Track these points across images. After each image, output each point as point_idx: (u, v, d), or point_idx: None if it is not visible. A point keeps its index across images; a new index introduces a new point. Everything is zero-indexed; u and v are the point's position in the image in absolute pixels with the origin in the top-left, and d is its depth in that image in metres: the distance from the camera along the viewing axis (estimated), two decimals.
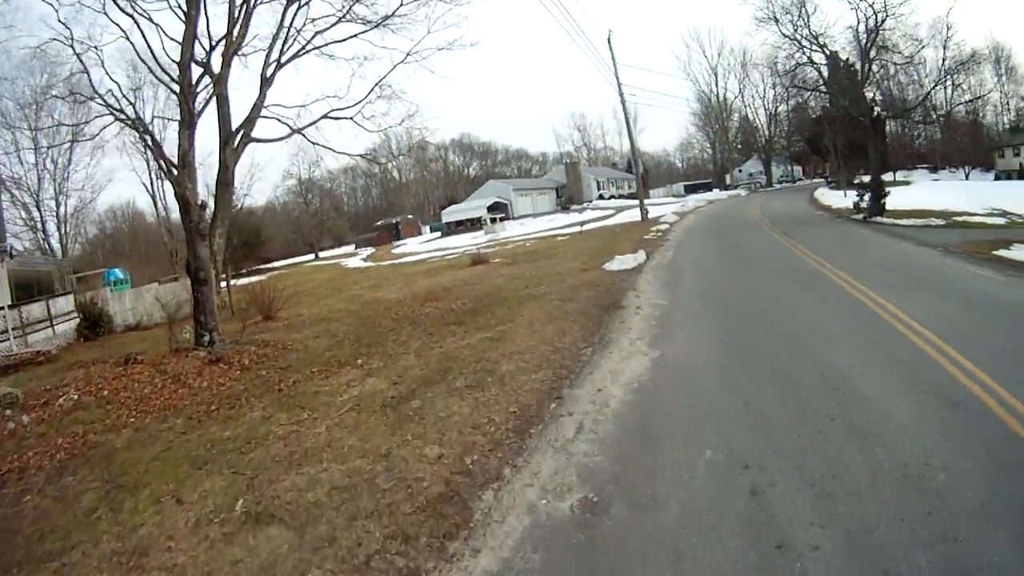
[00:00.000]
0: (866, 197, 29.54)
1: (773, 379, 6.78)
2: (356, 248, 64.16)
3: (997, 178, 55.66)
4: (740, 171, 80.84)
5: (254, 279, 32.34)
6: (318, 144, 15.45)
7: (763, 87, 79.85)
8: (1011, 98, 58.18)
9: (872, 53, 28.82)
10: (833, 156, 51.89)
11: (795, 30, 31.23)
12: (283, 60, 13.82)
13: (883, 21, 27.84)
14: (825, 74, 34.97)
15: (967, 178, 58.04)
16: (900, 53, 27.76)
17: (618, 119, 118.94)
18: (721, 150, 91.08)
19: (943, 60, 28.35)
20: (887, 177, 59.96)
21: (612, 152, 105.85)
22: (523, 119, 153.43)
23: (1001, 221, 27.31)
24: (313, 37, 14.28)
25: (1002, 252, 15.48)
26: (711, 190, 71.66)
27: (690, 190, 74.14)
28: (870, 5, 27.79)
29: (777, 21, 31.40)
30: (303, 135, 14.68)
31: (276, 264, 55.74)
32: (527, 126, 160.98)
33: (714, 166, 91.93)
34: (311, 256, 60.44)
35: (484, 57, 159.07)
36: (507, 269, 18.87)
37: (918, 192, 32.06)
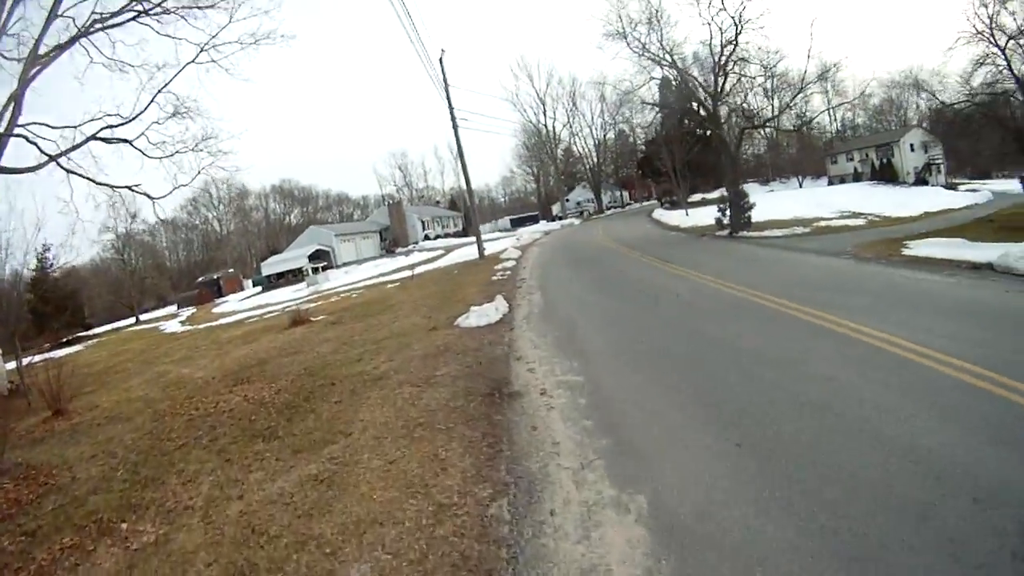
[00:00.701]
0: (727, 212, 30.68)
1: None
2: (178, 308, 63.38)
3: (830, 183, 64.48)
4: (567, 200, 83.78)
5: (71, 350, 31.94)
6: (73, 173, 14.70)
7: (591, 115, 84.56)
8: (837, 108, 66.32)
9: (728, 67, 30.34)
10: (672, 176, 55.23)
11: (644, 46, 32.06)
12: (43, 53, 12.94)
13: (738, 34, 29.39)
14: (674, 90, 36.67)
15: (801, 186, 64.89)
16: (759, 64, 30.12)
17: (440, 158, 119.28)
18: (545, 181, 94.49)
19: (804, 72, 30.19)
20: (718, 193, 65.14)
21: (434, 191, 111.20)
22: (344, 161, 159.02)
23: (860, 222, 30.18)
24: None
25: (909, 252, 16.70)
26: (538, 222, 73.84)
27: (516, 223, 76.38)
28: (731, 16, 29.34)
29: (625, 36, 32.10)
30: (59, 163, 13.99)
31: (98, 331, 53.11)
32: (348, 169, 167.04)
33: (539, 198, 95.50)
34: (133, 320, 58.76)
35: (303, 96, 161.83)
36: (333, 331, 16.27)
37: (764, 203, 35.05)
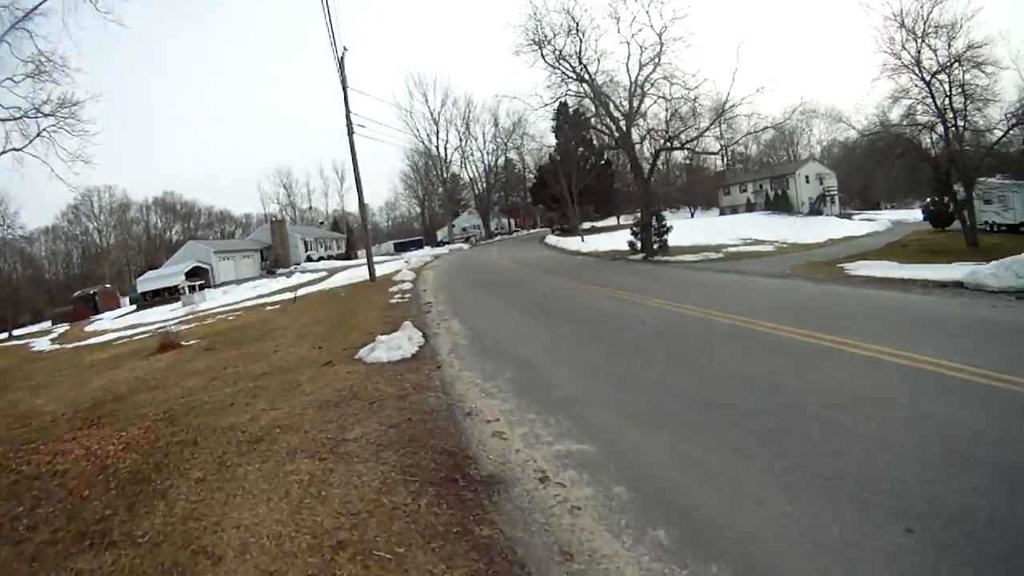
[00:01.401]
0: (641, 235, 30.21)
1: None
2: (52, 324, 59.40)
3: (722, 213, 66.58)
4: (453, 226, 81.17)
5: None
6: None
7: (483, 139, 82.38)
8: (728, 143, 68.33)
9: (646, 87, 29.98)
10: (569, 201, 54.67)
11: (559, 58, 30.97)
12: None
13: (661, 52, 29.09)
14: (590, 107, 36.18)
15: (692, 216, 66.20)
16: (681, 84, 29.60)
17: (325, 178, 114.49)
18: (430, 206, 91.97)
19: (728, 94, 30.97)
20: (611, 222, 65.46)
21: (318, 213, 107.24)
22: (229, 177, 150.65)
23: (769, 248, 30.57)
24: None
25: (855, 273, 17.30)
26: (422, 247, 70.90)
27: (400, 248, 72.93)
28: (656, 33, 29.12)
29: (542, 47, 30.83)
30: None
31: None
32: (232, 185, 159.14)
33: (423, 223, 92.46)
34: (4, 336, 54.45)
35: (189, 106, 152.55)
36: (204, 360, 13.42)
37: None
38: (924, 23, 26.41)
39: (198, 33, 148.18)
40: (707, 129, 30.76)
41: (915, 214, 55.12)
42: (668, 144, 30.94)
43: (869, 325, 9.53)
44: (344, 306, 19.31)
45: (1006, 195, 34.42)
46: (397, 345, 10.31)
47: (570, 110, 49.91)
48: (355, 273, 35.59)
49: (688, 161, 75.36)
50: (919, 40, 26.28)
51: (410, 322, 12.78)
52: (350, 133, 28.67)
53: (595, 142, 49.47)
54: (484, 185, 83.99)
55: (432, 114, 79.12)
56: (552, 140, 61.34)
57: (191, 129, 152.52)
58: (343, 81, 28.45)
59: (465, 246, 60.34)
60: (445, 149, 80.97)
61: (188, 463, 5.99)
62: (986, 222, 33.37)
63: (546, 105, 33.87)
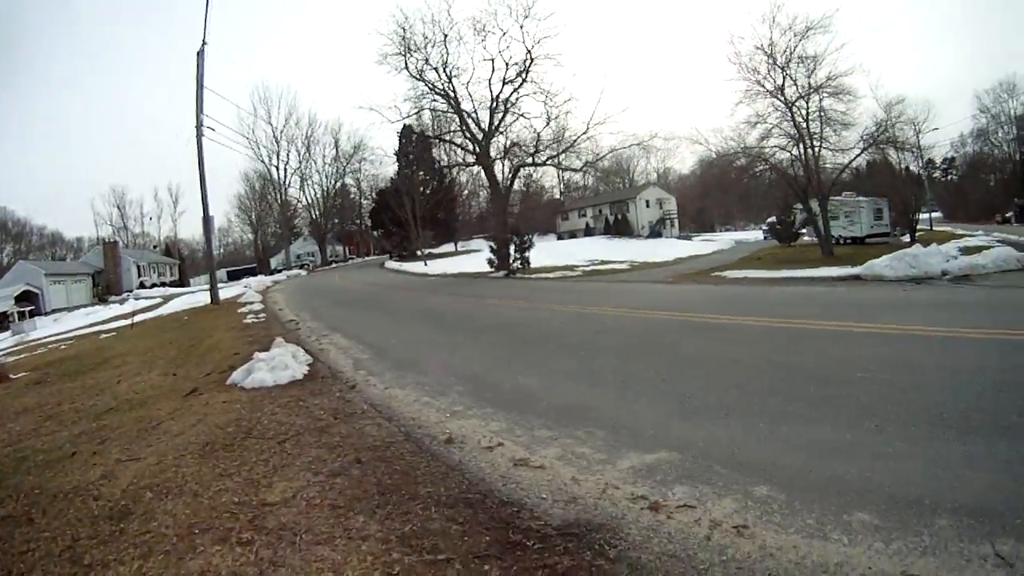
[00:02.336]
0: (498, 254, 29.85)
1: None
2: None
3: (559, 238, 66.75)
4: (288, 253, 74.88)
5: None
6: None
7: (323, 162, 76.80)
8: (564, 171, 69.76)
9: (508, 104, 29.52)
10: (413, 225, 52.65)
11: (420, 72, 29.89)
12: None
13: (528, 68, 28.83)
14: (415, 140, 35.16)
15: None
16: (543, 102, 29.88)
17: (159, 200, 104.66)
18: (264, 232, 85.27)
19: (593, 113, 30.13)
20: (449, 248, 64.09)
21: (149, 239, 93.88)
22: (64, 197, 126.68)
23: (624, 265, 31.04)
24: None
25: (733, 276, 18.64)
26: (256, 275, 64.41)
27: (234, 276, 66.31)
28: (526, 48, 29.29)
29: (407, 55, 29.64)
30: None
31: None
32: (66, 206, 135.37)
33: (256, 250, 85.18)
34: None
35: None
36: (35, 395, 10.17)
37: None
38: (790, 54, 27.24)
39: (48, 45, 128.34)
40: (571, 146, 30.40)
41: (755, 234, 59.20)
42: (531, 160, 30.22)
43: (808, 309, 10.10)
44: (191, 329, 15.71)
45: (853, 211, 36.95)
46: (282, 364, 7.80)
47: (414, 134, 48.33)
48: (193, 299, 30.93)
49: (525, 188, 76.06)
50: (783, 70, 27.28)
51: (282, 339, 10.28)
52: (199, 136, 24.31)
53: (443, 163, 48.20)
54: (321, 210, 78.27)
55: (275, 132, 71.85)
56: (392, 165, 59.32)
57: (27, 142, 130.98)
58: (199, 78, 24.24)
59: (303, 272, 55.60)
60: (285, 171, 74.03)
61: (17, 564, 3.42)
62: (834, 235, 34.97)
63: (405, 118, 32.40)
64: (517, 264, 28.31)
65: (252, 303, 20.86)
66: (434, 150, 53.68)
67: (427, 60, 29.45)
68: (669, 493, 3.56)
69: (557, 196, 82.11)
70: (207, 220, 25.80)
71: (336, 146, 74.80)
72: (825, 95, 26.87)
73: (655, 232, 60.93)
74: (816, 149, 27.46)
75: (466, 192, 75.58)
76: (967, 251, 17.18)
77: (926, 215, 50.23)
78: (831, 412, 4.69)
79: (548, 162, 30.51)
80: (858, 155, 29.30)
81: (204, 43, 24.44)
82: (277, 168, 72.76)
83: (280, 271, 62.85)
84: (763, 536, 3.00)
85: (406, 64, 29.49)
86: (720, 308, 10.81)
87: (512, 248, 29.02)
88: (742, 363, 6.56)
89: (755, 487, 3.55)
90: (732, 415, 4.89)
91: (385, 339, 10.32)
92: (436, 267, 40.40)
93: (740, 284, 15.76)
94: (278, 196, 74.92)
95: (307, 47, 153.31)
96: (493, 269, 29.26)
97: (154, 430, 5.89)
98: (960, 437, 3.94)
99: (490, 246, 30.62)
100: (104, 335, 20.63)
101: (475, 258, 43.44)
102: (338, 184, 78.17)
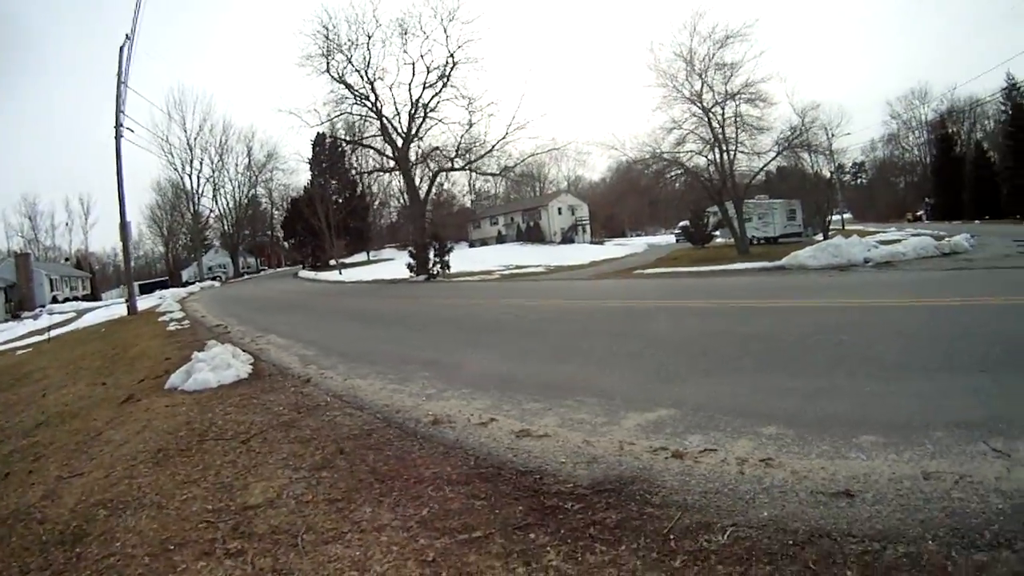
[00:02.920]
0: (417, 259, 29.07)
1: None
2: None
3: (471, 246, 64.79)
4: (199, 264, 69.94)
5: None
6: None
7: (235, 171, 72.07)
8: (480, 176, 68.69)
9: (429, 107, 28.94)
10: (327, 235, 50.33)
11: (343, 75, 28.87)
12: None
13: (451, 71, 28.21)
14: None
15: None
16: (465, 107, 29.30)
17: (70, 211, 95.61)
18: (175, 244, 79.96)
19: (513, 118, 29.80)
20: (362, 257, 62.02)
21: (59, 252, 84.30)
22: None
23: (540, 269, 30.48)
24: None
25: (652, 272, 19.43)
26: (168, 287, 60.17)
27: (146, 289, 61.29)
28: (448, 51, 28.87)
29: (329, 57, 28.49)
30: None
31: None
32: None
33: (167, 262, 79.65)
34: None
35: None
36: None
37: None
38: (709, 62, 26.80)
39: None
40: (491, 150, 29.92)
41: (666, 238, 59.17)
42: (450, 165, 29.58)
43: (747, 292, 10.70)
44: (112, 340, 14.15)
45: (767, 212, 37.14)
46: (224, 363, 7.08)
47: (328, 140, 46.64)
48: (108, 312, 28.42)
49: (437, 196, 74.89)
50: (701, 77, 26.97)
51: (215, 340, 9.45)
52: (118, 137, 22.01)
53: (359, 169, 46.73)
54: (233, 220, 73.17)
55: (188, 139, 66.08)
56: (305, 173, 56.86)
57: None
58: (120, 74, 21.85)
59: (216, 284, 52.30)
60: (198, 179, 68.34)
61: None
62: (748, 236, 35.12)
63: (325, 121, 31.01)
64: (437, 269, 27.79)
65: (172, 312, 19.26)
66: (349, 157, 51.84)
67: (350, 61, 28.44)
68: (686, 442, 3.57)
69: (468, 205, 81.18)
70: (124, 226, 23.71)
71: (249, 154, 70.14)
72: (742, 101, 26.75)
73: (567, 238, 60.61)
74: (732, 153, 27.53)
75: (377, 202, 73.50)
76: (886, 243, 18.08)
77: (837, 216, 51.42)
78: (803, 366, 5.02)
79: (467, 167, 29.93)
80: (773, 158, 29.65)
81: (128, 37, 22.20)
82: (190, 176, 67.10)
83: (192, 283, 59.11)
84: (790, 464, 3.13)
85: (328, 66, 28.37)
86: (661, 295, 11.12)
87: (432, 253, 28.47)
88: (703, 335, 6.79)
89: (762, 428, 3.68)
90: (712, 375, 5.02)
91: (325, 337, 9.67)
92: (351, 276, 38.72)
93: (671, 277, 16.12)
94: (191, 206, 69.42)
95: (224, 51, 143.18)
96: (413, 274, 28.53)
97: (93, 441, 5.15)
98: (926, 376, 4.48)
99: (409, 251, 29.87)
100: (20, 351, 18.73)
101: (389, 266, 42.19)
102: (251, 193, 74.00)
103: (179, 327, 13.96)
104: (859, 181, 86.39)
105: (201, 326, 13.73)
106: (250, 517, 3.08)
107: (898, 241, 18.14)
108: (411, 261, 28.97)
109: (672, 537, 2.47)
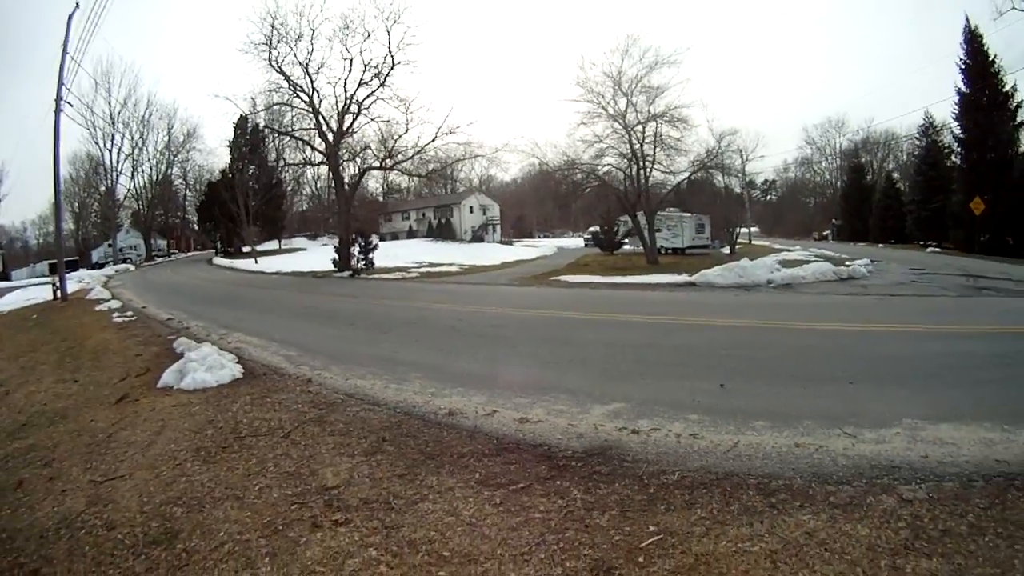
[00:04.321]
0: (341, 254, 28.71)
1: None
2: None
3: (383, 239, 62.16)
4: (110, 246, 64.00)
5: None
6: None
7: (155, 149, 65.46)
8: (388, 174, 66.87)
9: (364, 104, 28.06)
10: (245, 222, 47.61)
11: (281, 65, 27.37)
12: None
13: (392, 69, 27.32)
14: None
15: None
16: (398, 107, 28.16)
17: None
18: (86, 223, 72.68)
19: (440, 127, 29.15)
20: (273, 245, 59.19)
21: None
22: None
23: (455, 268, 30.12)
24: None
25: (574, 281, 19.45)
26: (78, 269, 54.66)
27: (54, 269, 54.83)
28: (387, 50, 27.68)
29: (271, 48, 26.95)
30: None
31: None
32: None
33: (77, 242, 72.08)
34: None
35: None
36: None
37: (326, 255, 33.06)
38: (636, 83, 26.65)
39: None
40: (420, 151, 29.46)
41: (575, 242, 59.07)
42: (379, 164, 29.18)
43: (665, 308, 11.46)
44: (54, 330, 13.09)
45: (676, 224, 36.98)
46: (218, 363, 7.26)
47: (249, 124, 44.24)
48: (27, 295, 25.70)
49: (362, 182, 72.25)
50: (628, 97, 26.93)
51: (185, 338, 9.45)
52: (58, 111, 19.41)
53: (286, 160, 44.39)
54: (148, 200, 66.47)
55: (112, 113, 58.18)
56: (224, 155, 53.29)
57: None
58: (65, 44, 19.80)
59: (131, 267, 48.42)
60: (118, 156, 60.63)
61: None
62: (657, 246, 34.97)
63: (259, 111, 29.82)
64: (361, 265, 27.62)
65: (105, 299, 18.16)
66: (273, 144, 48.96)
67: (293, 52, 27.29)
68: (638, 424, 4.75)
69: (380, 198, 79.01)
70: (59, 204, 22.16)
71: (169, 133, 63.92)
72: (663, 122, 26.70)
73: (477, 237, 59.62)
74: (648, 169, 27.65)
75: (288, 189, 70.30)
76: (787, 264, 18.98)
77: (745, 230, 51.92)
78: (715, 373, 6.09)
79: (395, 167, 29.63)
80: (687, 177, 30.05)
81: (78, 5, 20.16)
82: (110, 152, 59.73)
83: (104, 265, 54.08)
84: (710, 437, 4.43)
85: (270, 56, 26.98)
86: (590, 308, 12.05)
87: (356, 249, 28.26)
88: (636, 346, 7.81)
89: (689, 415, 4.89)
90: (647, 378, 6.14)
91: (297, 337, 9.65)
92: (268, 265, 37.20)
93: (591, 288, 16.70)
94: (107, 183, 61.73)
95: (151, 21, 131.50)
96: (336, 269, 28.12)
97: (108, 443, 5.03)
98: (808, 383, 5.73)
99: (334, 246, 29.57)
100: None
101: (303, 256, 41.33)
102: (169, 172, 68.06)
103: (126, 319, 13.36)
104: (769, 198, 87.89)
105: (150, 319, 13.29)
106: (336, 495, 3.56)
107: (800, 263, 18.81)
108: (335, 256, 28.57)
109: (644, 477, 3.75)
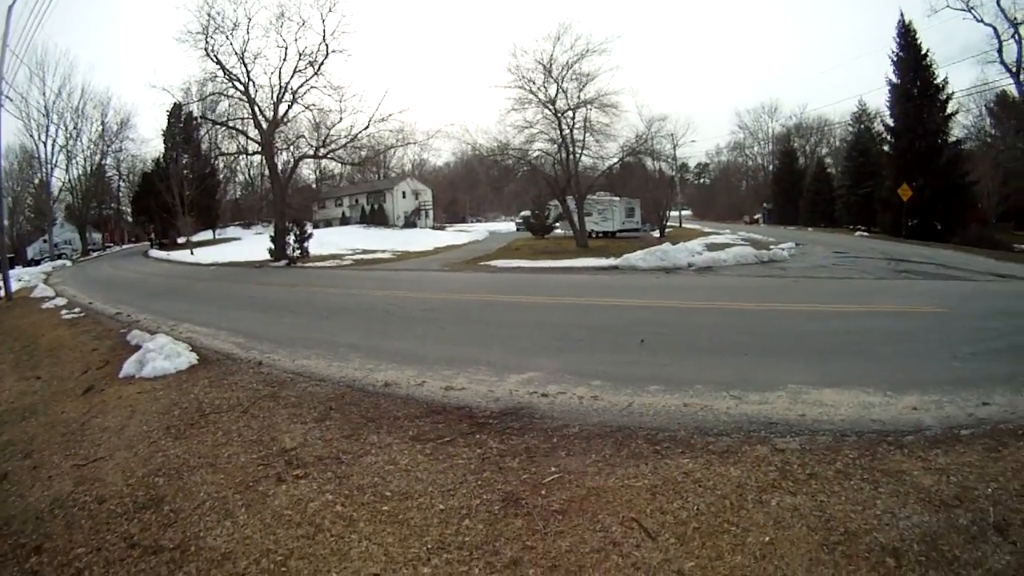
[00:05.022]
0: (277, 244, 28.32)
1: None
2: None
3: (316, 226, 58.98)
4: (45, 241, 59.66)
5: None
6: None
7: (88, 140, 60.39)
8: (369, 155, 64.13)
9: (298, 93, 27.38)
10: (181, 213, 45.11)
11: (217, 54, 26.40)
12: None
13: (325, 59, 26.79)
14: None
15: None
16: (332, 96, 27.51)
17: None
18: (19, 219, 67.20)
19: (373, 115, 28.77)
20: (208, 235, 56.92)
21: None
22: None
23: (388, 255, 30.08)
24: None
25: (501, 265, 19.46)
26: (13, 267, 50.44)
27: None
28: (322, 39, 27.14)
29: (207, 36, 25.96)
30: None
31: None
32: None
33: (12, 238, 66.57)
34: None
35: None
36: None
37: (259, 244, 32.78)
38: (566, 70, 26.41)
39: None
40: (352, 140, 29.12)
41: (507, 226, 57.57)
42: (313, 153, 28.61)
43: (586, 290, 11.85)
44: (6, 331, 12.76)
45: (607, 208, 36.35)
46: (175, 352, 7.61)
47: (183, 113, 42.26)
48: None
49: (283, 174, 69.63)
50: (558, 83, 26.74)
51: (138, 330, 9.65)
52: None
53: (222, 150, 42.49)
54: (83, 193, 61.95)
55: (47, 103, 52.55)
56: (156, 144, 50.79)
57: None
58: (5, 36, 18.52)
59: (67, 263, 45.67)
60: (52, 148, 55.70)
61: None
62: (588, 229, 32.93)
63: (195, 101, 29.07)
64: (297, 253, 27.44)
65: (51, 298, 17.57)
66: (204, 133, 46.58)
67: (229, 41, 26.43)
68: (547, 389, 5.30)
69: (312, 185, 76.41)
70: (1, 202, 21.00)
71: (103, 122, 59.20)
72: (593, 108, 26.67)
73: (410, 222, 58.27)
74: (577, 155, 27.65)
75: (223, 178, 67.28)
76: (713, 247, 19.10)
77: (676, 213, 51.72)
78: (623, 348, 6.79)
79: (328, 155, 29.15)
80: (617, 162, 30.12)
81: None
82: (45, 144, 56.01)
83: (40, 262, 50.62)
84: (608, 398, 4.97)
85: (206, 45, 26.10)
86: (515, 291, 12.61)
87: (292, 238, 27.98)
88: (555, 325, 8.53)
89: (593, 382, 5.42)
90: (562, 352, 6.77)
91: (243, 326, 9.96)
92: (204, 256, 35.99)
93: (519, 272, 17.10)
94: (42, 175, 57.25)
95: (87, 4, 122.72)
96: (272, 258, 27.73)
97: (84, 431, 5.33)
98: (704, 356, 6.32)
99: (270, 236, 29.11)
100: None
101: (238, 246, 40.36)
102: (103, 163, 63.68)
103: (74, 315, 13.14)
104: (702, 181, 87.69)
105: (99, 314, 13.10)
106: (295, 455, 4.11)
107: (724, 247, 19.00)
108: (271, 246, 28.22)
109: (549, 431, 4.30)
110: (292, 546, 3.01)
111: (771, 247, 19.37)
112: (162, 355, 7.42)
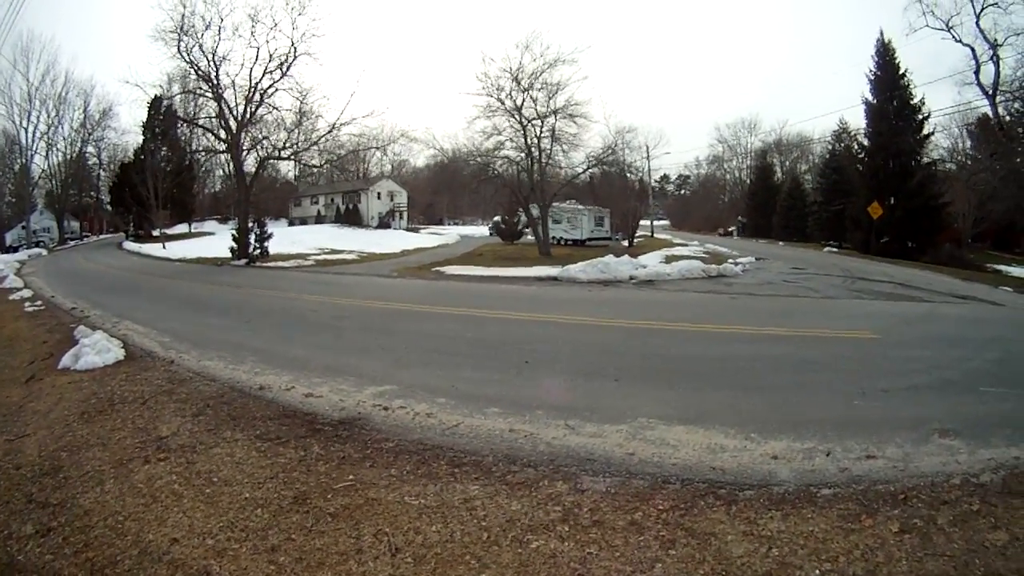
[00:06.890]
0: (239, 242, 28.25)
1: None
2: None
3: (291, 224, 59.79)
4: (23, 228, 58.71)
5: None
6: None
7: (69, 127, 58.53)
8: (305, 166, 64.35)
9: (268, 94, 27.21)
10: (155, 206, 45.01)
11: (191, 53, 26.11)
12: None
13: (293, 60, 26.66)
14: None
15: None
16: (298, 97, 27.26)
17: None
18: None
19: (338, 118, 29.31)
20: (183, 229, 56.62)
21: None
22: None
23: (353, 256, 29.98)
24: None
25: (451, 273, 19.28)
26: None
27: None
28: (289, 40, 26.69)
29: (181, 34, 25.93)
30: None
31: None
32: None
33: None
34: None
35: None
36: None
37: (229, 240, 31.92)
38: (535, 79, 26.12)
39: None
40: (317, 142, 29.53)
41: (481, 230, 57.27)
42: (278, 154, 28.98)
43: (501, 302, 11.84)
44: None
45: (575, 217, 36.21)
46: (105, 348, 8.54)
47: (162, 104, 42.02)
48: None
49: (261, 170, 68.92)
50: (526, 92, 26.51)
51: (84, 326, 10.58)
52: None
53: (192, 147, 42.31)
54: (62, 180, 60.90)
55: (30, 89, 53.44)
56: (137, 135, 49.65)
57: None
58: None
59: (44, 252, 45.30)
60: (34, 134, 55.90)
61: None
62: (556, 237, 33.48)
63: (172, 96, 29.54)
64: (257, 252, 27.82)
65: (19, 289, 18.07)
66: (180, 128, 46.33)
67: (200, 44, 26.46)
68: (392, 403, 5.67)
69: (291, 181, 73.88)
70: None
71: (85, 110, 59.06)
72: (560, 118, 26.34)
73: (384, 223, 57.96)
74: (543, 163, 27.18)
75: (202, 171, 66.40)
76: (671, 259, 18.56)
77: (648, 223, 50.63)
78: (496, 364, 6.94)
79: (292, 157, 29.36)
80: (583, 172, 29.66)
81: None
82: (26, 130, 54.95)
83: (18, 249, 49.85)
84: (443, 416, 5.19)
85: (179, 44, 26.22)
86: (438, 301, 12.88)
87: (253, 238, 28.35)
88: (440, 336, 8.86)
89: (438, 398, 5.67)
90: (429, 366, 7.08)
91: (174, 326, 10.71)
92: (175, 250, 36.12)
93: (462, 280, 16.89)
94: (22, 161, 56.32)
95: None
96: (234, 257, 27.99)
97: (19, 412, 6.21)
98: (568, 377, 6.29)
99: (232, 234, 29.25)
100: None
101: (211, 241, 40.13)
102: (84, 151, 61.71)
103: (36, 308, 13.84)
104: (682, 192, 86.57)
105: (58, 308, 13.83)
106: (165, 442, 4.97)
107: (677, 259, 18.28)
108: (233, 245, 28.42)
109: (369, 442, 4.69)
110: (131, 511, 3.87)
111: (727, 261, 18.62)
112: (94, 351, 8.32)
